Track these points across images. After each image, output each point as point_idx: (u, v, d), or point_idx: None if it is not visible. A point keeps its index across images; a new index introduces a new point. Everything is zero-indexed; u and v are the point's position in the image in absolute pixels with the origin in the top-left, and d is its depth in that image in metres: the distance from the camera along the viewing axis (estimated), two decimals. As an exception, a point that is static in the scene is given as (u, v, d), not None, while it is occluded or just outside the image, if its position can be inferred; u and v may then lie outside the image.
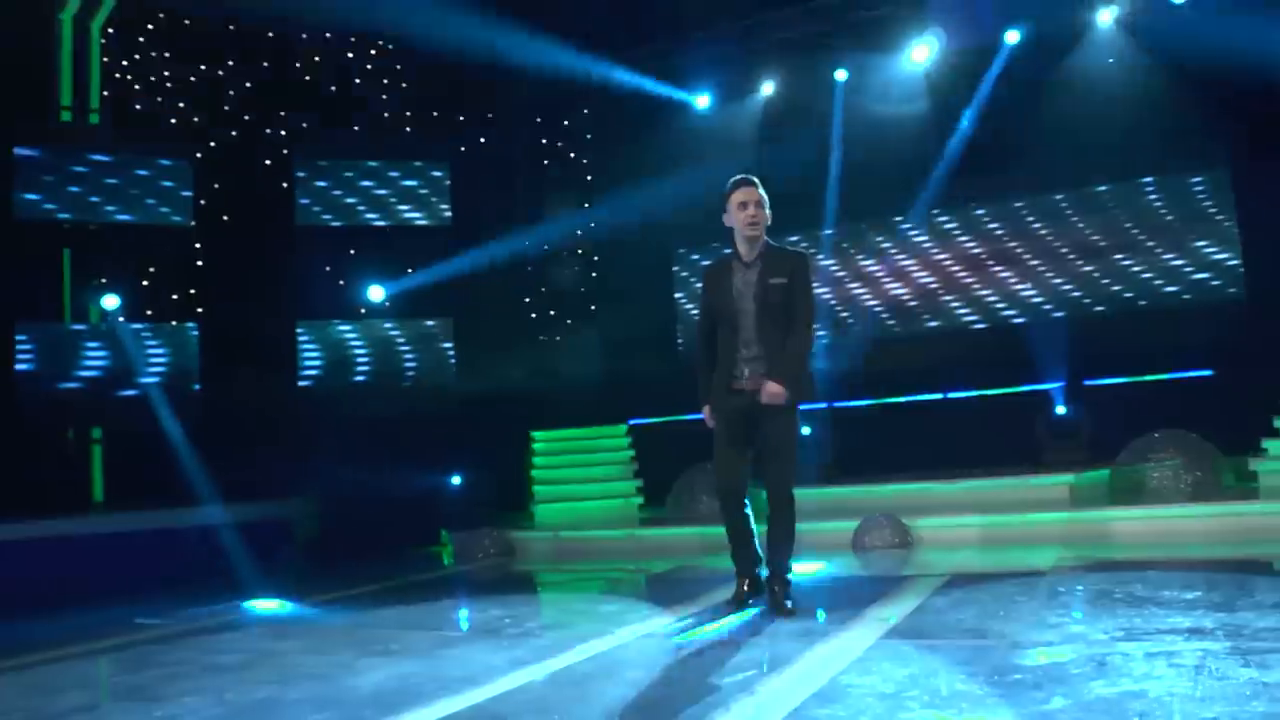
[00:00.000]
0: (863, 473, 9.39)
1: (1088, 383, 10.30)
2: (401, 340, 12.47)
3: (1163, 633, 3.90)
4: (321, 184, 12.42)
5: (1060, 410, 10.03)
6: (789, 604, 4.90)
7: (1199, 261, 10.52)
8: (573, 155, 13.47)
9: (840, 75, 11.74)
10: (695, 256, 13.04)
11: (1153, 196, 10.77)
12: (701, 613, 5.12)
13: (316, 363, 12.19)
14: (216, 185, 11.92)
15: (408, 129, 12.50)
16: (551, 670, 4.02)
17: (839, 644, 4.14)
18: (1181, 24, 10.21)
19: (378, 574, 7.85)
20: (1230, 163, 10.40)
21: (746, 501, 5.08)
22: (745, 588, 5.13)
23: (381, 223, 12.48)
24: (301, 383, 11.99)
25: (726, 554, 7.71)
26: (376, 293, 11.98)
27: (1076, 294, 10.98)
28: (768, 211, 5.00)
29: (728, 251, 5.15)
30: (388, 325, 12.40)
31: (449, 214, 12.65)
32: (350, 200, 12.46)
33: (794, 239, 12.26)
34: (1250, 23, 9.89)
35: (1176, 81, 10.10)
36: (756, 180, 5.02)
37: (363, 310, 12.20)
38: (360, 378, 12.26)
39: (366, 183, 12.52)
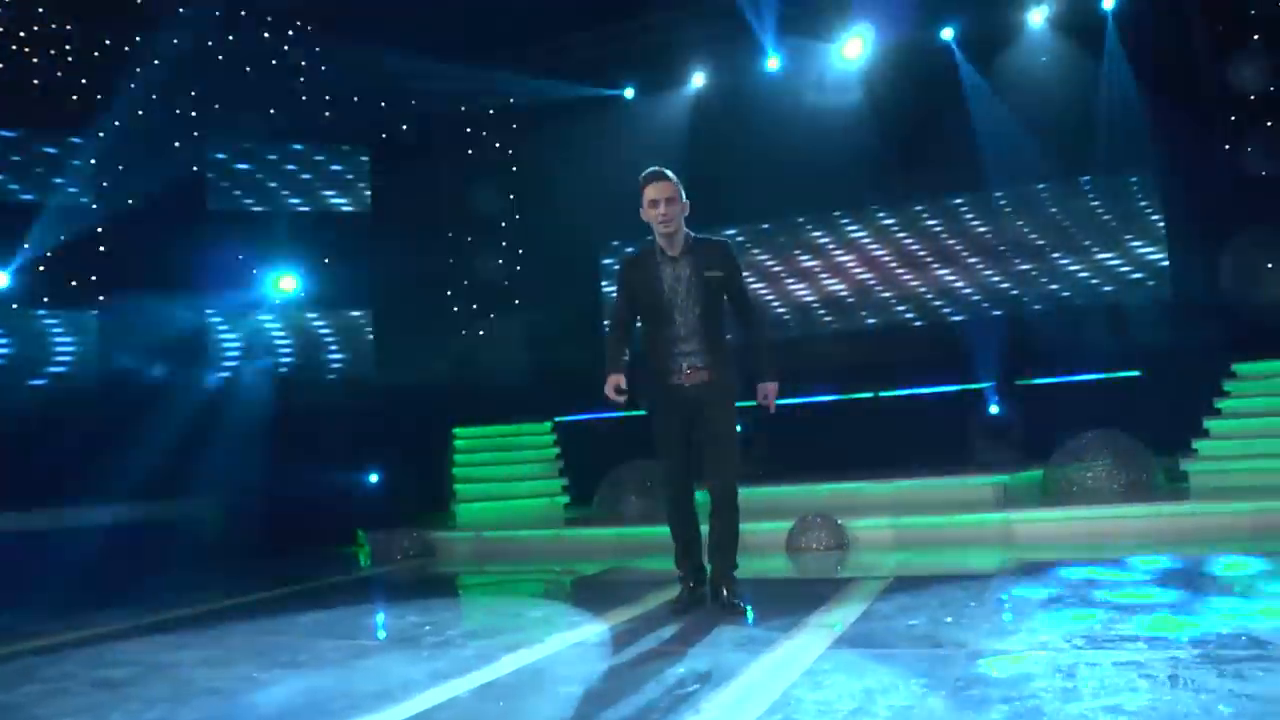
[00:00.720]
0: (793, 472, 9.19)
1: (1018, 382, 10.26)
2: (318, 330, 11.93)
3: (1125, 639, 3.71)
4: (236, 167, 11.82)
5: (993, 410, 9.96)
6: (739, 603, 4.71)
7: (1128, 261, 10.56)
8: (497, 145, 13.05)
9: (773, 64, 11.53)
10: (623, 246, 12.69)
11: (1085, 196, 10.78)
12: (637, 619, 4.82)
13: (227, 353, 11.58)
14: (121, 166, 11.24)
15: (327, 114, 11.95)
16: (476, 684, 3.67)
17: (786, 653, 3.86)
18: (1110, 27, 10.28)
19: (287, 576, 7.38)
20: (1158, 163, 10.45)
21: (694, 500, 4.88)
22: (689, 592, 4.90)
23: (301, 208, 11.92)
24: (209, 374, 11.36)
25: (657, 555, 7.50)
26: (290, 282, 11.43)
27: (1008, 292, 10.95)
28: (684, 201, 4.79)
29: (649, 239, 4.90)
30: (305, 315, 11.84)
31: (369, 201, 12.14)
32: (268, 184, 11.88)
33: (730, 232, 12.10)
34: (1170, 28, 10.03)
35: (1107, 82, 10.14)
36: (668, 174, 4.78)
37: (277, 299, 11.63)
38: (272, 369, 11.68)
39: (282, 168, 11.96)
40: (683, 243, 4.79)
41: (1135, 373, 10.06)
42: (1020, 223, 10.96)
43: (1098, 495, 8.03)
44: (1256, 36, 9.99)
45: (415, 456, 10.70)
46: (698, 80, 11.93)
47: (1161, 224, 10.46)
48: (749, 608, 4.68)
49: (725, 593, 4.75)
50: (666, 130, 11.85)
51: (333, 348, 11.96)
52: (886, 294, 11.38)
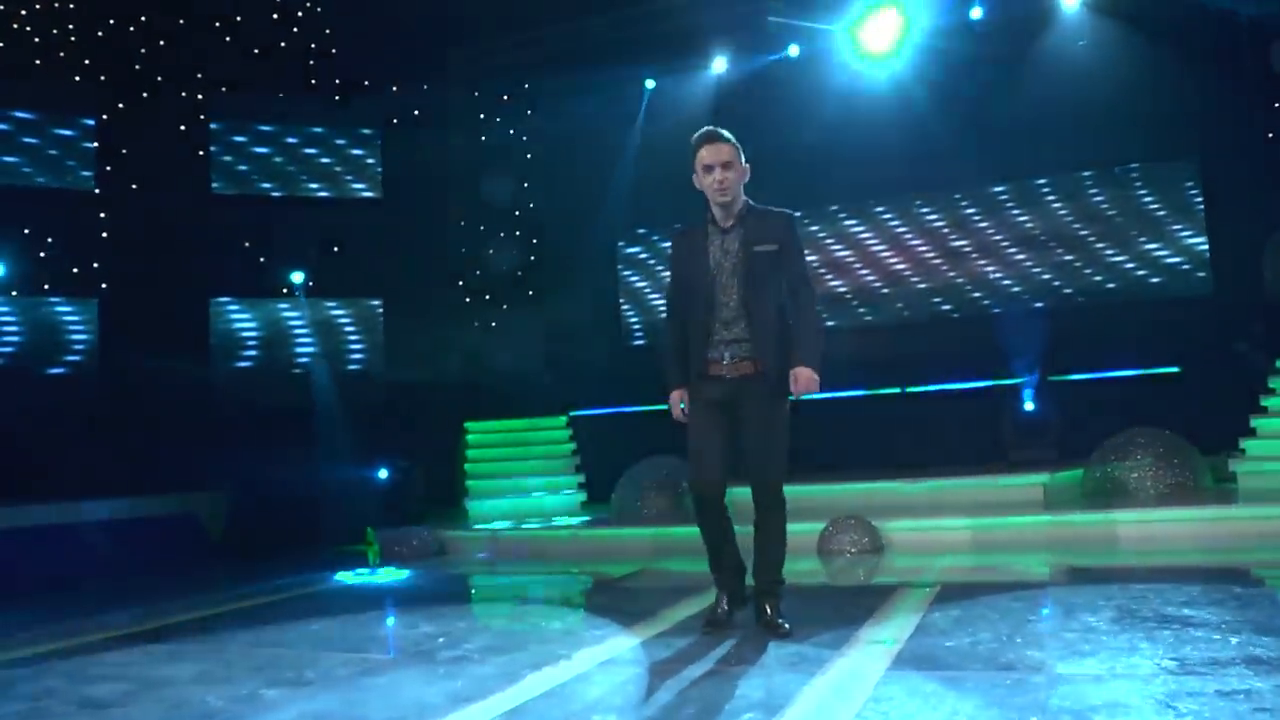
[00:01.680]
0: (821, 470, 8.80)
1: (1052, 378, 9.86)
2: (327, 321, 11.58)
3: (1220, 664, 3.33)
4: (241, 151, 11.48)
5: (1028, 406, 9.56)
6: (783, 623, 4.21)
7: (1169, 254, 10.16)
8: (512, 131, 12.65)
9: (794, 51, 11.13)
10: (645, 232, 12.35)
11: (1124, 185, 10.38)
12: (670, 632, 4.45)
13: (230, 343, 11.25)
14: (124, 150, 10.91)
15: (336, 97, 11.59)
16: (500, 710, 3.30)
17: (842, 675, 3.49)
18: (1150, 8, 9.85)
19: (293, 578, 7.03)
20: (1199, 152, 10.05)
21: (727, 504, 4.37)
22: (725, 605, 4.39)
23: (307, 194, 11.57)
24: (214, 364, 11.04)
25: (682, 557, 7.17)
26: (299, 270, 11.09)
27: (1041, 285, 10.56)
28: (744, 165, 4.24)
29: (704, 218, 4.36)
30: (311, 305, 11.50)
31: (380, 188, 11.79)
32: (273, 169, 11.54)
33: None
34: (1213, 12, 9.60)
35: (1146, 68, 9.71)
36: (726, 134, 4.23)
37: (283, 289, 11.29)
38: (279, 361, 11.35)
39: (291, 151, 11.61)
40: (738, 213, 4.24)
41: (1174, 369, 9.67)
42: (1054, 213, 10.55)
43: (1142, 496, 7.66)
44: (1303, 20, 9.57)
45: (426, 452, 10.37)
46: (719, 65, 11.52)
47: (1203, 215, 10.04)
48: (791, 628, 4.20)
49: (769, 611, 4.27)
50: (689, 116, 11.42)
51: (342, 338, 11.63)
52: (916, 286, 10.98)
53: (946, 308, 10.85)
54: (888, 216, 11.20)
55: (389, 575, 7.40)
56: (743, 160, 4.25)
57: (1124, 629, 3.95)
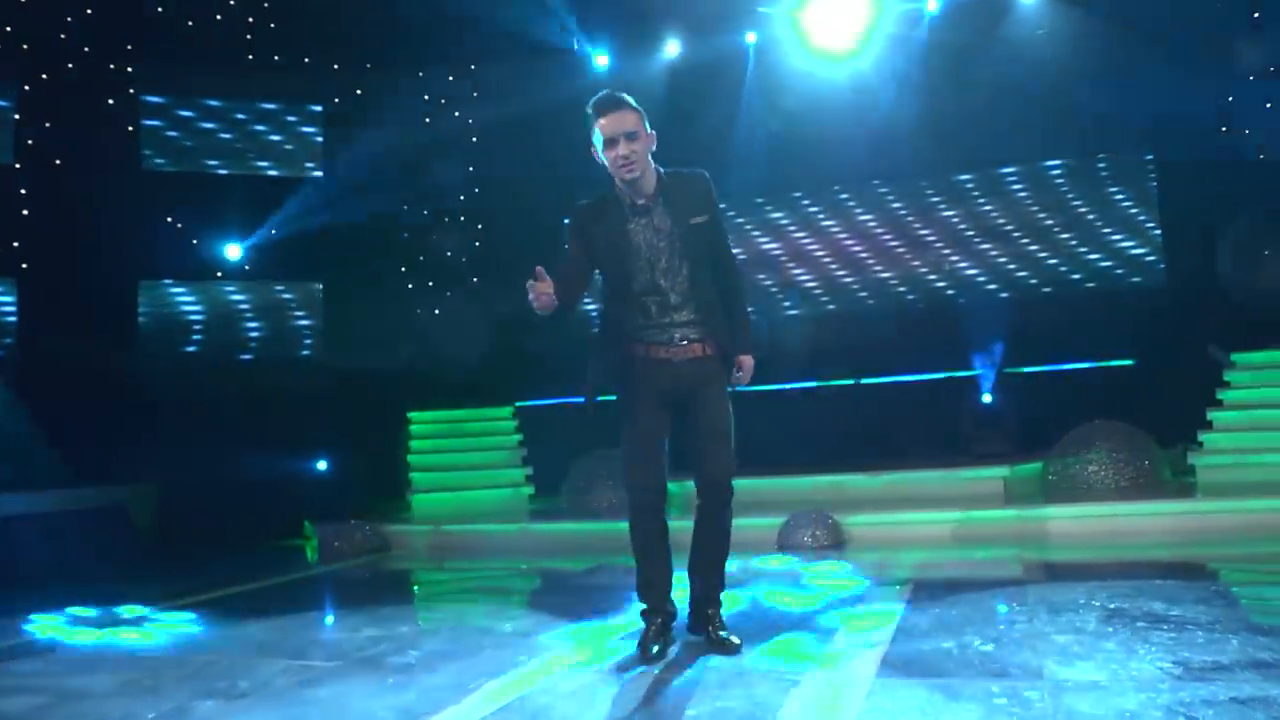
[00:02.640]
0: (776, 462, 8.59)
1: (1008, 370, 9.77)
2: (262, 305, 11.09)
3: (1224, 668, 3.15)
4: (172, 126, 10.93)
5: (986, 398, 9.45)
6: (732, 638, 3.79)
7: (1122, 245, 10.12)
8: (457, 114, 12.25)
9: (751, 38, 10.90)
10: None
11: (1074, 177, 10.33)
12: (634, 634, 4.15)
13: (162, 328, 10.72)
14: (47, 123, 10.30)
15: (274, 74, 11.09)
16: (456, 726, 3.01)
17: (826, 685, 3.25)
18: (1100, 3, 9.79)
19: (227, 575, 6.62)
20: (1154, 144, 10.01)
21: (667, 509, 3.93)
22: (656, 639, 3.77)
23: (242, 171, 11.05)
24: (143, 350, 10.50)
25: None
26: (233, 251, 10.58)
27: (996, 276, 10.46)
28: (650, 132, 3.73)
29: (601, 195, 3.87)
30: (247, 288, 11.01)
31: (319, 166, 11.32)
32: (208, 144, 11.00)
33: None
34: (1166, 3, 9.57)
35: (1102, 59, 9.63)
36: (627, 99, 3.72)
37: (218, 271, 10.78)
38: (213, 346, 10.84)
39: (225, 126, 11.08)
40: (654, 185, 3.76)
41: (1129, 361, 9.64)
42: (1011, 203, 10.47)
43: (1102, 490, 7.56)
44: (1256, 15, 9.58)
45: (367, 442, 9.96)
46: (672, 49, 11.22)
47: (1157, 208, 10.02)
48: (741, 643, 3.79)
49: (714, 622, 3.84)
50: (642, 99, 11.11)
51: (279, 324, 11.15)
52: (872, 275, 10.83)
53: (910, 297, 10.69)
54: (850, 203, 11.03)
55: (329, 572, 7.03)
56: (648, 127, 3.74)
57: (1115, 629, 3.77)
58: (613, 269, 3.80)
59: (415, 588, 6.59)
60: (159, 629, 4.91)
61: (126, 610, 5.43)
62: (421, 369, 11.02)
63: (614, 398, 3.89)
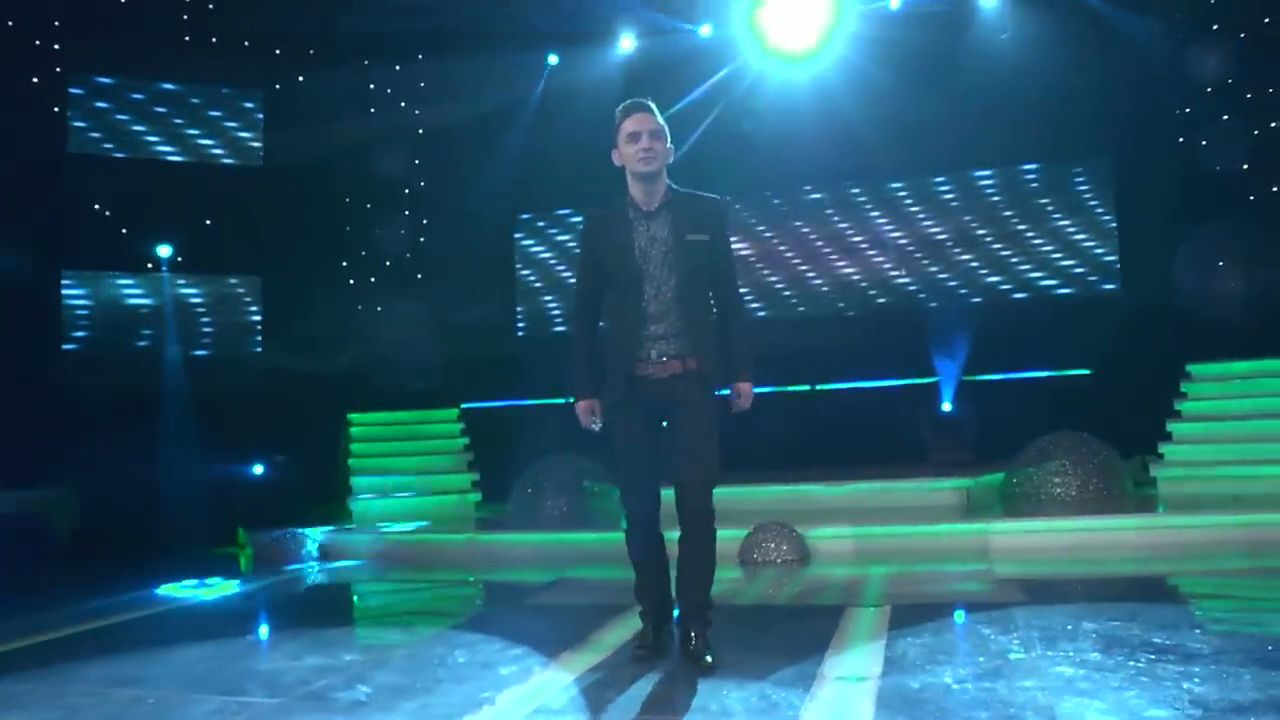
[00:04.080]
0: (733, 471, 8.32)
1: (968, 379, 9.65)
2: (197, 300, 10.57)
3: (1244, 709, 2.95)
4: (102, 108, 10.35)
5: (945, 407, 9.31)
6: (708, 657, 3.73)
7: (1079, 255, 10.09)
8: (403, 104, 11.83)
9: (705, 31, 10.63)
10: (540, 223, 11.75)
11: (1038, 184, 10.27)
12: (605, 664, 3.87)
13: (86, 322, 10.14)
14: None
15: (212, 56, 10.57)
16: (419, 780, 2.67)
17: (824, 727, 2.98)
18: (1061, 8, 9.71)
19: (151, 589, 6.18)
20: (1113, 154, 9.98)
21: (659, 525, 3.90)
22: (653, 629, 3.95)
23: (176, 157, 10.51)
24: (66, 346, 9.93)
25: (593, 565, 6.61)
26: (165, 241, 10.05)
27: (954, 285, 10.36)
28: (668, 144, 3.83)
29: (619, 202, 3.91)
30: (179, 281, 10.47)
31: (259, 155, 10.82)
32: (139, 130, 10.44)
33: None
34: (1128, 14, 9.55)
35: (1062, 67, 9.55)
36: (651, 105, 3.84)
37: (148, 263, 10.24)
38: (142, 343, 10.29)
39: (159, 110, 10.52)
40: (662, 195, 3.83)
41: (1085, 371, 9.58)
42: (967, 213, 10.38)
43: (1066, 502, 7.44)
44: (1215, 27, 9.58)
45: (305, 445, 9.53)
46: (626, 44, 10.91)
47: (1115, 217, 9.99)
48: (715, 661, 3.71)
49: (694, 639, 3.79)
50: (593, 97, 10.77)
51: (213, 320, 10.63)
52: (827, 281, 10.66)
53: (848, 311, 10.54)
54: (819, 202, 10.86)
55: (265, 585, 6.60)
56: (668, 139, 3.83)
57: (1117, 661, 3.56)
58: (611, 274, 3.86)
59: (359, 605, 6.21)
60: (79, 655, 4.48)
61: (44, 631, 4.98)
62: (363, 368, 10.61)
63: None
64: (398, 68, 11.54)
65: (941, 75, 9.74)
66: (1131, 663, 3.52)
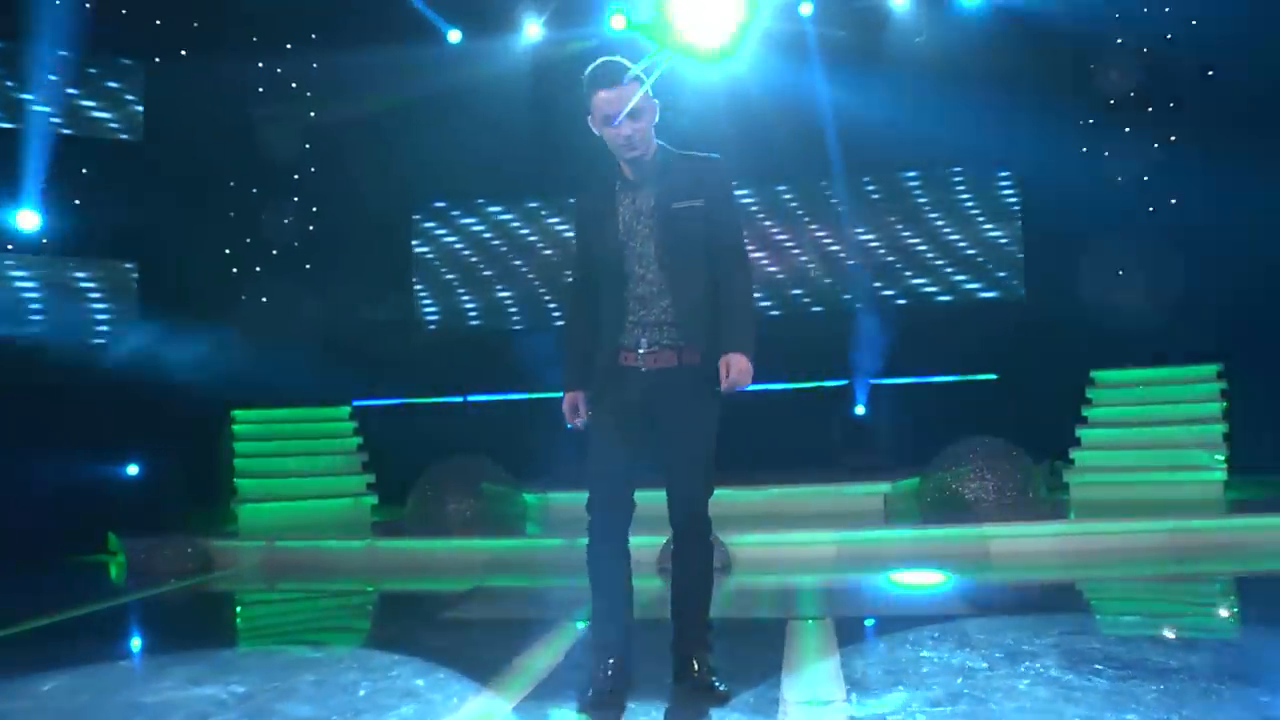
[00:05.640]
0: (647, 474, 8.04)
1: (877, 382, 9.58)
2: (64, 285, 9.70)
3: (1244, 735, 2.79)
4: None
5: (859, 410, 9.21)
6: (719, 685, 3.35)
7: (984, 260, 10.13)
8: (294, 85, 11.16)
9: (616, 23, 10.29)
10: (440, 204, 11.22)
11: (941, 189, 10.28)
12: (539, 693, 3.51)
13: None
14: None
15: (86, 20, 9.71)
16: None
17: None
18: (972, 16, 9.75)
19: (15, 604, 5.53)
20: (1019, 162, 10.06)
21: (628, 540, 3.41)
22: (611, 676, 3.27)
23: (43, 129, 9.61)
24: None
25: (503, 574, 6.24)
26: (29, 220, 9.18)
27: (860, 287, 10.27)
28: (653, 102, 3.29)
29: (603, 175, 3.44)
30: (45, 264, 9.59)
31: (138, 131, 10.02)
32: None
33: (535, 204, 10.84)
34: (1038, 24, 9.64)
35: (972, 74, 9.56)
36: (627, 69, 3.22)
37: (8, 244, 9.35)
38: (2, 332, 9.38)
39: (23, 76, 9.59)
40: (652, 163, 3.33)
41: (991, 375, 9.63)
42: (878, 213, 10.33)
43: (984, 507, 7.37)
44: (1120, 41, 9.73)
45: (185, 443, 8.82)
46: (533, 31, 10.48)
47: (1020, 223, 10.08)
48: (729, 691, 3.35)
49: (697, 668, 3.38)
50: (500, 81, 10.35)
51: (86, 305, 9.79)
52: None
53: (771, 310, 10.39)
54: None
55: (142, 599, 5.99)
56: (651, 95, 3.29)
57: (1090, 679, 3.37)
58: (595, 252, 3.40)
59: (254, 622, 5.66)
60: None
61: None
62: (247, 362, 9.94)
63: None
64: (288, 46, 10.87)
65: (856, 77, 9.66)
66: (1104, 682, 3.34)
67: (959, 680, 3.45)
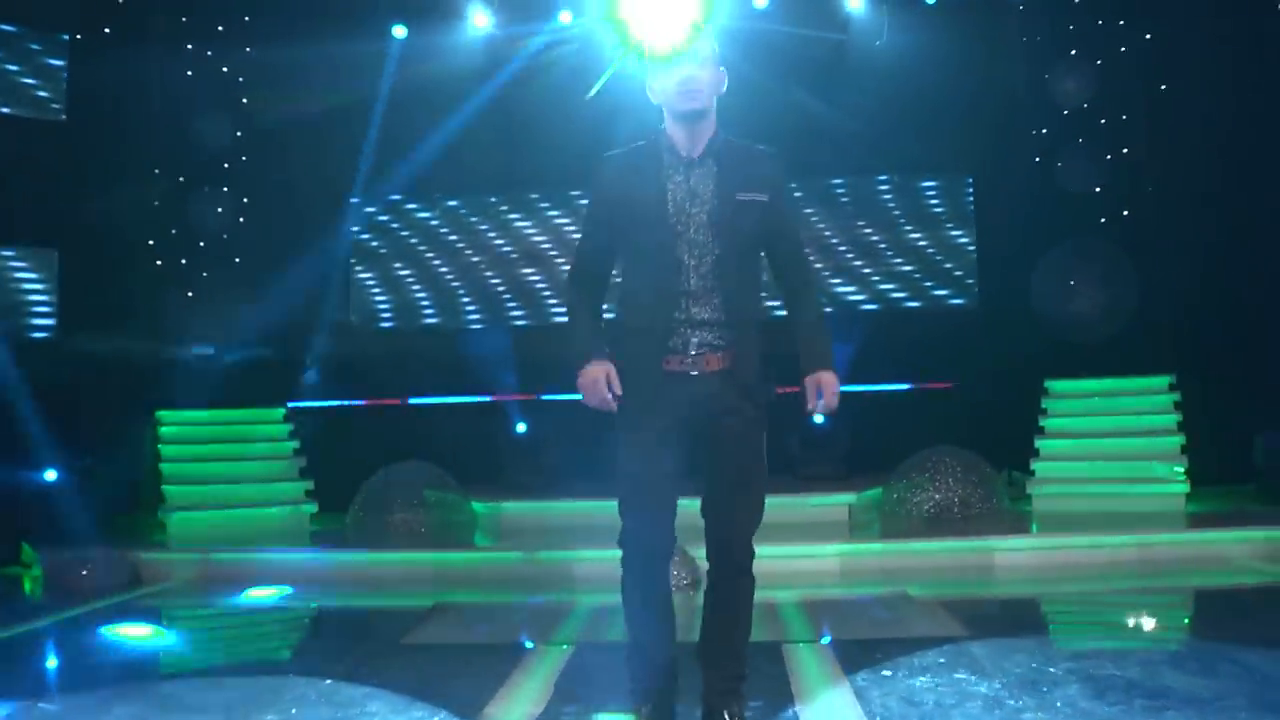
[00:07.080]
0: (597, 482, 7.74)
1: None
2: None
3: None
4: None
5: (817, 419, 9.03)
6: None
7: (939, 267, 10.07)
8: (225, 69, 10.61)
9: (565, 18, 9.91)
10: (370, 210, 10.78)
11: (899, 195, 10.19)
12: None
13: None
14: None
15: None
16: None
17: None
18: (931, 24, 9.66)
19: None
20: (974, 169, 10.03)
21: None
22: (653, 712, 2.97)
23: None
24: None
25: (461, 589, 5.87)
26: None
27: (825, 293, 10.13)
28: (721, 70, 2.96)
29: (641, 143, 3.01)
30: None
31: (62, 109, 9.40)
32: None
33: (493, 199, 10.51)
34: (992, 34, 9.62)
35: (929, 80, 9.49)
36: (700, 25, 2.95)
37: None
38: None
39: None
40: (708, 142, 2.94)
41: (945, 383, 9.55)
42: (822, 222, 10.21)
43: (948, 519, 7.24)
44: (1074, 52, 9.74)
45: (109, 446, 8.25)
46: (480, 21, 10.08)
47: (974, 231, 10.04)
48: None
49: (730, 715, 2.99)
50: (446, 73, 9.94)
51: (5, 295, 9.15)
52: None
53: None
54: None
55: (64, 619, 5.47)
56: (720, 68, 2.96)
57: (1118, 708, 3.19)
58: (636, 235, 2.93)
59: (196, 647, 5.12)
60: None
61: None
62: (174, 359, 9.40)
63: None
64: (220, 28, 10.34)
65: (806, 77, 9.53)
66: (1133, 713, 3.16)
67: (979, 710, 3.24)
